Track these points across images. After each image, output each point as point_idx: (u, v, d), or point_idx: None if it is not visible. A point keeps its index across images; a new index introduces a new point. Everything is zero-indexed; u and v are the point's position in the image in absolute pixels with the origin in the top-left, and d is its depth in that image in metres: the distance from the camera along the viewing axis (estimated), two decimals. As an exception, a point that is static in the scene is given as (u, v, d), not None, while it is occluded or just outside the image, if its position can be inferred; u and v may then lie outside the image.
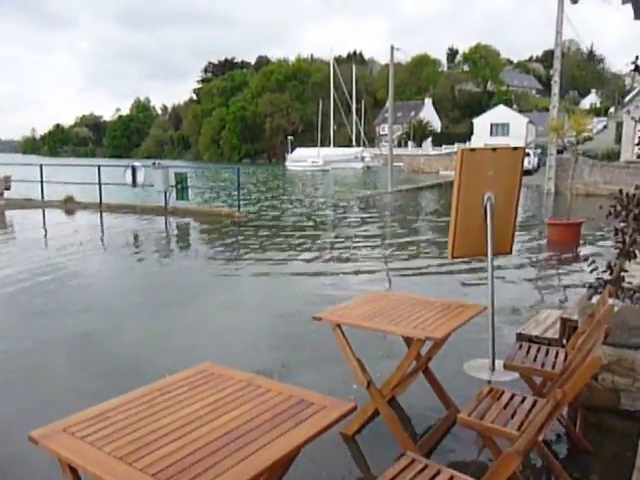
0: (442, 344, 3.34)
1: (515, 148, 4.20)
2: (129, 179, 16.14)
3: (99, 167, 16.99)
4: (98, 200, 16.66)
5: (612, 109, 59.45)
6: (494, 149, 4.10)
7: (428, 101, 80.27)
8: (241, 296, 7.03)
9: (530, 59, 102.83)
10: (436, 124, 78.29)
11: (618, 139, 30.21)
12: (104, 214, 15.65)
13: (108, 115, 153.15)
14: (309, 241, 11.35)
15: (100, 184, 16.70)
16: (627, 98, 33.03)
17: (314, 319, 3.20)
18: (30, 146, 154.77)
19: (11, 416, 3.60)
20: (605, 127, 46.36)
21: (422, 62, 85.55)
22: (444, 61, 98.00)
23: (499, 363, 4.39)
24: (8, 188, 17.62)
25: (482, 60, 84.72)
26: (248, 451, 1.69)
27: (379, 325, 3.06)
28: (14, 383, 4.16)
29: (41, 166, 18.14)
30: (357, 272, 8.26)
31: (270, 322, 5.86)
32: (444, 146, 63.50)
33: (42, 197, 17.54)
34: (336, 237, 12.04)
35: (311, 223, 14.46)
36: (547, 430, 2.77)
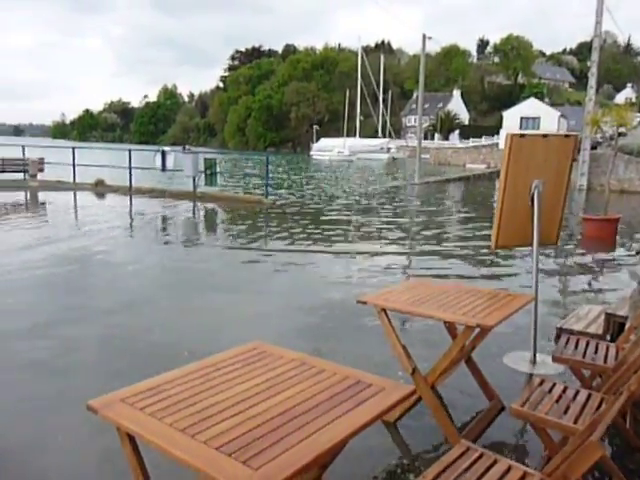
0: (488, 333, 3.26)
1: (567, 135, 4.06)
2: (159, 163, 16.25)
3: (130, 151, 17.15)
4: (128, 184, 16.83)
5: (648, 104, 57.72)
6: (545, 135, 3.98)
7: (457, 93, 79.10)
8: (269, 281, 7.00)
9: (564, 51, 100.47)
10: (464, 116, 77.18)
11: (655, 135, 29.30)
12: (133, 197, 15.81)
13: (136, 101, 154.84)
14: (338, 229, 11.29)
15: (130, 168, 16.84)
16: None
17: (358, 303, 3.14)
18: (60, 131, 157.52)
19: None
20: (640, 123, 45.07)
21: (452, 53, 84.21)
22: (474, 52, 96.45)
23: (540, 357, 4.30)
24: (42, 170, 17.93)
25: (513, 52, 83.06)
26: (308, 431, 1.64)
27: (427, 311, 2.98)
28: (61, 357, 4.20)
29: (73, 149, 18.40)
30: (388, 267, 8.20)
31: (302, 308, 5.82)
32: (472, 139, 62.63)
33: (74, 180, 17.79)
34: (365, 225, 11.95)
35: (339, 210, 14.38)
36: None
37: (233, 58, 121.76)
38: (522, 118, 59.02)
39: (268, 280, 7.03)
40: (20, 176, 17.65)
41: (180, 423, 1.64)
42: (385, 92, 73.23)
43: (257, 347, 2.32)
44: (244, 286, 6.63)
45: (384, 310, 3.07)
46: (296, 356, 2.22)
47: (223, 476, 1.39)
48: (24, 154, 18.56)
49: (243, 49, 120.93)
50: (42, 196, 15.69)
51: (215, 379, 1.99)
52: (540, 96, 67.08)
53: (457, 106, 77.28)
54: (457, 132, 70.20)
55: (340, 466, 2.56)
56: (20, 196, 15.44)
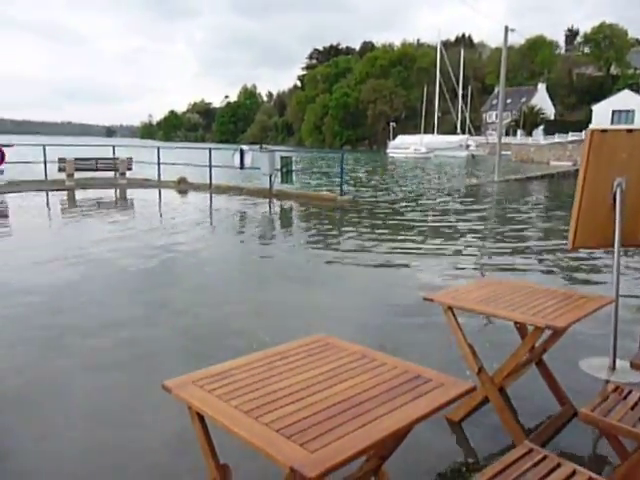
0: (561, 335, 3.16)
1: (654, 130, 3.82)
2: (237, 162, 16.81)
3: (210, 150, 17.88)
4: (208, 181, 17.55)
5: None
6: (630, 130, 3.77)
7: (541, 86, 75.62)
8: (342, 278, 7.08)
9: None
10: (549, 111, 73.66)
11: None
12: (213, 195, 16.47)
13: (217, 102, 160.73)
14: (411, 230, 11.19)
15: (210, 166, 17.55)
16: None
17: (425, 300, 3.14)
18: (147, 131, 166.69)
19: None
20: None
21: (537, 44, 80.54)
22: (562, 43, 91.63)
23: (620, 363, 4.09)
24: (130, 168, 19.10)
25: (606, 41, 78.04)
26: (366, 419, 1.70)
27: (494, 310, 2.94)
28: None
29: (158, 149, 19.46)
30: (461, 268, 8.02)
31: (374, 306, 5.86)
32: (557, 135, 59.65)
33: (159, 178, 18.81)
34: (440, 227, 11.75)
35: (414, 210, 14.23)
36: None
37: (311, 57, 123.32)
38: (614, 112, 55.53)
39: (337, 278, 7.11)
40: (111, 174, 18.90)
41: (244, 406, 1.75)
42: (465, 87, 71.36)
43: (321, 339, 2.40)
44: (315, 283, 6.76)
45: (450, 308, 3.06)
46: (358, 349, 2.27)
47: (281, 456, 1.48)
48: (114, 154, 19.85)
49: (321, 48, 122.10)
50: (130, 193, 16.70)
51: (279, 367, 2.08)
52: (635, 88, 62.64)
53: (542, 100, 73.87)
54: (541, 128, 67.07)
55: (403, 461, 2.61)
56: (111, 193, 16.53)
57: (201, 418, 1.84)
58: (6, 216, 12.14)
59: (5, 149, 16.61)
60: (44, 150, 17.75)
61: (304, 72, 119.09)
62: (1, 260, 7.50)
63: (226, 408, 1.74)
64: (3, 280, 6.38)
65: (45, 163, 17.73)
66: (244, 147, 17.64)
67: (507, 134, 64.70)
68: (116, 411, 3.35)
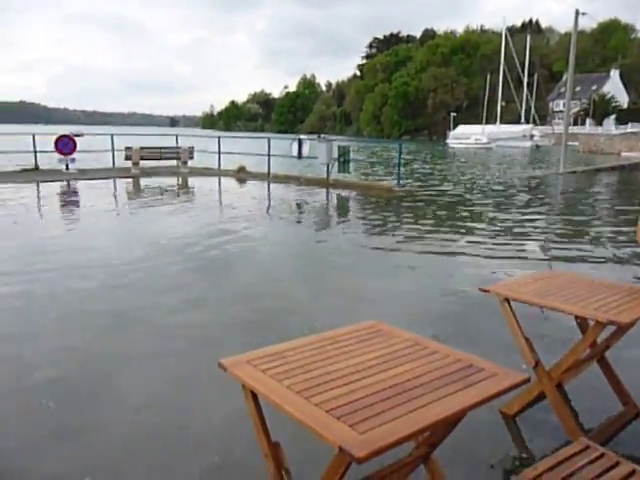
0: (625, 332, 3.03)
1: None
2: (295, 151, 16.95)
3: (269, 139, 18.12)
4: (266, 170, 17.81)
5: None
6: None
7: (614, 73, 71.67)
8: (397, 268, 7.04)
9: None
10: (622, 99, 69.72)
11: None
12: (271, 183, 16.70)
13: (277, 92, 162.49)
14: (467, 225, 10.94)
15: (269, 155, 17.79)
16: None
17: (481, 291, 3.09)
18: (209, 121, 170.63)
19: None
20: None
21: (610, 28, 76.30)
22: (638, 26, 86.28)
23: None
24: (192, 157, 19.65)
25: (689, 23, 72.82)
26: (416, 404, 1.70)
27: (553, 303, 2.85)
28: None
29: (219, 138, 19.91)
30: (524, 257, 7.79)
31: (431, 298, 5.81)
32: (630, 124, 56.45)
33: (219, 166, 19.25)
34: (497, 224, 11.40)
35: (473, 202, 13.90)
36: None
37: (371, 46, 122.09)
38: (695, 99, 51.80)
39: (392, 271, 7.08)
40: (174, 163, 19.52)
41: (297, 386, 1.80)
42: (530, 75, 68.62)
43: (374, 326, 2.41)
44: (370, 275, 6.76)
45: (507, 300, 3.00)
46: (410, 336, 2.27)
47: (331, 436, 1.51)
48: (177, 143, 20.47)
49: (381, 36, 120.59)
50: (192, 181, 17.19)
51: (332, 351, 2.12)
52: None
53: (614, 88, 70.04)
54: (613, 117, 63.62)
55: (455, 451, 2.60)
56: (174, 181, 17.08)
57: (254, 396, 1.90)
58: (77, 203, 12.82)
59: (76, 139, 17.50)
60: (112, 139, 18.57)
61: (363, 61, 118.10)
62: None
63: (278, 387, 1.79)
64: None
65: (113, 152, 18.55)
66: (302, 137, 17.74)
67: (575, 123, 61.86)
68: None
